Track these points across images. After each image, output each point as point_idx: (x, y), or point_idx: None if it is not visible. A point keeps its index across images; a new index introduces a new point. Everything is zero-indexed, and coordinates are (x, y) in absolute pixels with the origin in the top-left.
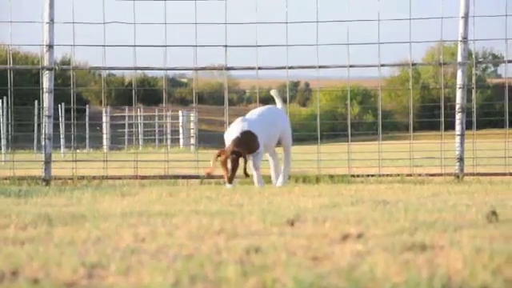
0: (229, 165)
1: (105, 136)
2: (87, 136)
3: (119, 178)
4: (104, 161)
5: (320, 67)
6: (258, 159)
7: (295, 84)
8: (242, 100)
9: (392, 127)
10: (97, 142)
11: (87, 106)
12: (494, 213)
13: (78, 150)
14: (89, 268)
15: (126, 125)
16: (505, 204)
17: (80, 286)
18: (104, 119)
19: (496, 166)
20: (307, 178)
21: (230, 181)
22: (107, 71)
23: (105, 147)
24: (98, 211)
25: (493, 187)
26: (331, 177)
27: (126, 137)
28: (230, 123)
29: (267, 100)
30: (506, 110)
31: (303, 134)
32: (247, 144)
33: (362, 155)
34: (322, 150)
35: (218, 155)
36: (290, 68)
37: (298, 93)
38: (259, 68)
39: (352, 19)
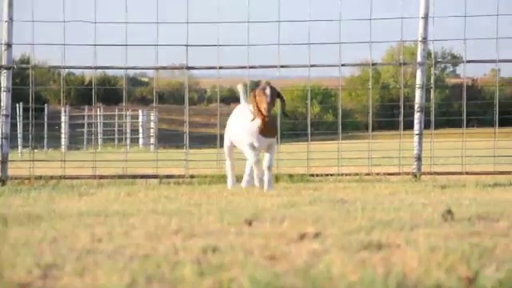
0: (267, 91)
1: (63, 136)
2: (45, 135)
3: (77, 177)
4: (62, 160)
5: (281, 67)
6: (274, 151)
7: (256, 83)
8: (202, 99)
9: (352, 127)
10: (55, 142)
11: (46, 105)
12: (449, 212)
13: (36, 150)
14: (44, 268)
15: (86, 124)
16: (460, 203)
17: (34, 286)
18: (63, 119)
19: (453, 165)
20: None
21: (269, 111)
22: (67, 70)
23: (63, 147)
24: (54, 211)
25: (449, 186)
26: (290, 176)
27: (85, 136)
28: (190, 123)
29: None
30: (464, 110)
31: None
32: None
33: (321, 155)
34: (281, 150)
35: (254, 93)
36: (251, 67)
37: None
38: (220, 67)
39: (313, 19)
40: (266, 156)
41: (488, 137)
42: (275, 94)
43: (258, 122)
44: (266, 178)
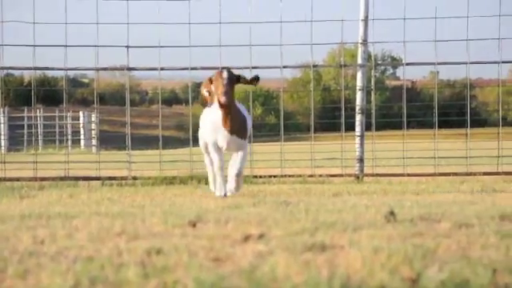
0: (224, 74)
1: (2, 137)
2: None
3: (18, 179)
4: (2, 162)
5: (223, 68)
6: (246, 153)
7: (198, 85)
8: (144, 101)
9: (294, 128)
10: None
11: None
12: (392, 213)
13: None
14: None
15: (25, 125)
16: (402, 204)
17: None
18: (1, 120)
19: (394, 166)
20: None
21: (227, 95)
22: (5, 71)
23: (3, 148)
24: None
25: (391, 188)
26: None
27: (25, 138)
28: (131, 124)
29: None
30: (404, 112)
31: None
32: (241, 117)
33: (264, 156)
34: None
35: (210, 78)
36: (193, 69)
37: (200, 94)
38: (162, 69)
39: (255, 21)
40: (234, 160)
41: (428, 138)
42: (234, 79)
43: (219, 113)
44: (229, 185)
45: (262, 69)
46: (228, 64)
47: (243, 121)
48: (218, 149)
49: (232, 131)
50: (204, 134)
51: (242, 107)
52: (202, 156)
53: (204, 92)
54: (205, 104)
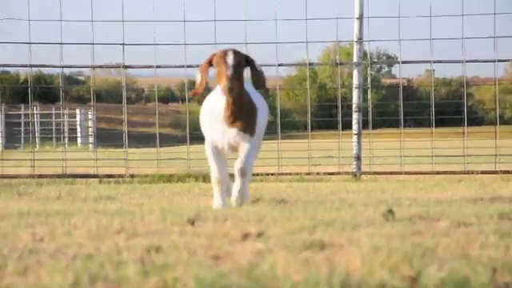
0: (230, 58)
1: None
2: None
3: (15, 176)
4: None
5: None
6: (254, 149)
7: (194, 83)
8: (140, 98)
9: (290, 126)
10: None
11: None
12: (390, 211)
13: None
14: None
15: (22, 123)
16: (401, 202)
17: None
18: None
19: (392, 164)
20: (207, 177)
21: (232, 88)
22: (1, 68)
23: (0, 146)
24: None
25: (389, 186)
26: (231, 176)
27: (23, 135)
28: (128, 122)
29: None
30: (401, 110)
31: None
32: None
33: (261, 154)
34: None
35: (210, 60)
36: (189, 67)
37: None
38: (157, 66)
39: (250, 18)
40: (240, 153)
41: (425, 137)
42: (243, 62)
43: (222, 103)
44: (235, 186)
45: None
46: None
47: (252, 111)
48: (218, 153)
49: (235, 125)
50: (204, 132)
51: (254, 93)
52: (199, 154)
53: (198, 76)
54: (200, 100)
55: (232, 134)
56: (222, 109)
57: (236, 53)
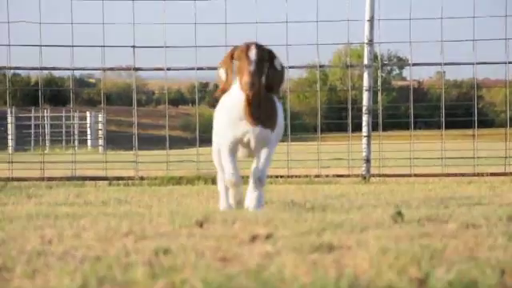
0: (252, 54)
1: (10, 137)
2: None
3: (25, 179)
4: (9, 162)
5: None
6: (272, 154)
7: (204, 85)
8: (150, 101)
9: (300, 128)
10: (1, 144)
11: None
12: (399, 213)
13: None
14: None
15: (33, 126)
16: (410, 205)
17: None
18: (9, 120)
19: (401, 167)
20: (216, 179)
21: (255, 83)
22: (12, 71)
23: (10, 148)
24: (2, 213)
25: (398, 188)
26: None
27: (33, 138)
28: (138, 124)
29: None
30: (412, 112)
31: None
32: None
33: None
34: None
35: (232, 54)
36: (199, 69)
37: (207, 94)
38: (168, 69)
39: (260, 21)
40: (256, 159)
41: (435, 139)
42: (265, 58)
43: (241, 98)
44: (252, 193)
45: None
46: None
47: (274, 110)
48: (235, 153)
49: (258, 123)
50: (218, 132)
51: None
52: (208, 156)
53: (220, 72)
54: (215, 100)
55: (253, 131)
56: (242, 106)
57: (259, 47)
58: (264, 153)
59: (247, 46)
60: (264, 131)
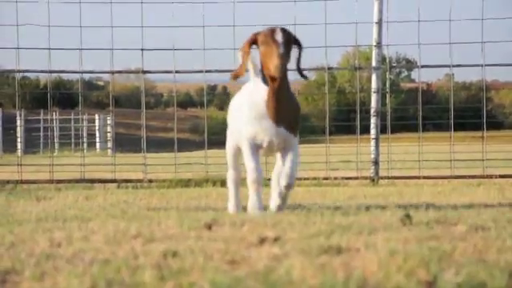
0: (279, 36)
1: (19, 139)
2: (0, 140)
3: (34, 182)
4: (19, 165)
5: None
6: (297, 153)
7: (213, 88)
8: (159, 103)
9: (309, 131)
10: (10, 146)
11: (0, 109)
12: (408, 216)
13: None
14: (2, 274)
15: (42, 128)
16: (418, 207)
17: None
18: (18, 122)
19: (410, 169)
20: (225, 181)
21: (282, 70)
22: (21, 74)
23: (19, 151)
24: (11, 216)
25: (407, 190)
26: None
27: (42, 140)
28: (147, 127)
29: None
30: (420, 114)
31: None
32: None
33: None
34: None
35: (253, 40)
36: (208, 72)
37: (215, 97)
38: (176, 71)
39: (268, 23)
40: (284, 163)
41: (444, 141)
42: (291, 42)
43: (263, 92)
44: (273, 201)
45: None
46: None
47: (296, 108)
48: (256, 150)
49: (280, 120)
50: (237, 127)
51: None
52: (217, 158)
53: (239, 56)
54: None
55: (275, 129)
56: (264, 100)
57: (284, 30)
58: (290, 156)
59: (272, 30)
60: (286, 131)
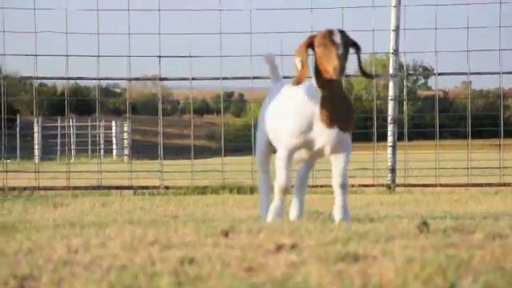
0: (337, 37)
1: (36, 146)
2: (18, 146)
3: (51, 188)
4: (36, 171)
5: (254, 78)
6: (350, 151)
7: (229, 95)
8: (175, 110)
9: None
10: (27, 153)
11: (18, 116)
12: (425, 223)
13: (8, 161)
14: (20, 280)
15: (59, 135)
16: (435, 215)
17: None
18: (35, 129)
19: (427, 177)
20: (242, 188)
21: (342, 71)
22: (38, 81)
23: (36, 158)
24: (29, 222)
25: (424, 198)
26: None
27: (59, 147)
28: (164, 134)
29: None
30: (437, 122)
31: (239, 144)
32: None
33: (295, 166)
34: (248, 161)
35: (309, 43)
36: (224, 79)
37: (231, 103)
38: (193, 79)
39: (285, 30)
40: (336, 164)
41: (461, 149)
42: (349, 44)
43: (316, 96)
44: (339, 202)
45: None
46: (259, 74)
47: (351, 108)
48: (292, 158)
49: (336, 123)
50: (273, 131)
51: None
52: (233, 165)
53: (297, 61)
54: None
55: (328, 134)
56: (317, 105)
57: (342, 32)
58: (342, 158)
59: (329, 31)
60: (341, 134)
